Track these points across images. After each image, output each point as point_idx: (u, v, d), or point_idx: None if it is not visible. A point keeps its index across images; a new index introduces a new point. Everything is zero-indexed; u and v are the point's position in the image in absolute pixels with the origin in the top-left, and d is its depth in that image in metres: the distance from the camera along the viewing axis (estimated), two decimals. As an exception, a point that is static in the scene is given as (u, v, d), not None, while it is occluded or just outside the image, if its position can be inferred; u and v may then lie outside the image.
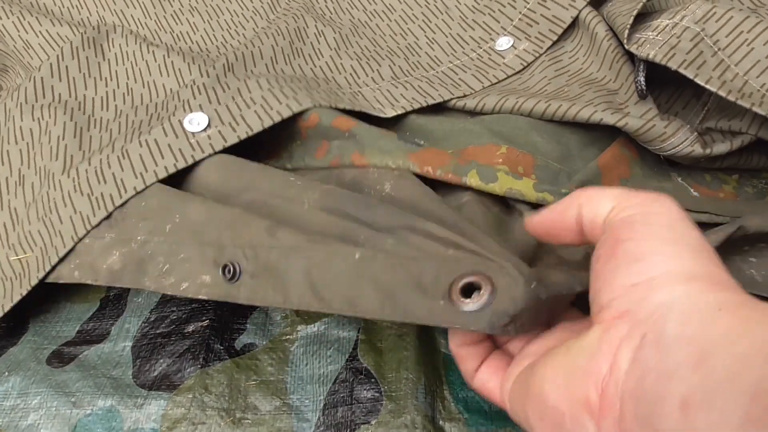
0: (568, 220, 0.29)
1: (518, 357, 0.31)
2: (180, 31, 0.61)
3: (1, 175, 0.47)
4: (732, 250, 0.39)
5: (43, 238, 0.42)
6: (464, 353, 0.32)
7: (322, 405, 0.36)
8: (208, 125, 0.42)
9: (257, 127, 0.42)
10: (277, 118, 0.42)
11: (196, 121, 0.43)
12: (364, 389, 0.37)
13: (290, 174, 0.39)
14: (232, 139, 0.41)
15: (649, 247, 0.25)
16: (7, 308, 0.41)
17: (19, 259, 0.42)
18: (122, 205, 0.40)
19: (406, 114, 0.48)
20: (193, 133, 0.42)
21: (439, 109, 0.49)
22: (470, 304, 0.29)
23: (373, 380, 0.37)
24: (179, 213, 0.38)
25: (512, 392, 0.29)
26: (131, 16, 0.61)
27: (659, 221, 0.26)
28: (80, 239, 0.40)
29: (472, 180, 0.39)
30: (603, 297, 0.25)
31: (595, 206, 0.28)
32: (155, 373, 0.38)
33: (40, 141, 0.47)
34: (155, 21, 0.61)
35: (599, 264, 0.26)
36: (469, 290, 0.30)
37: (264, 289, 0.33)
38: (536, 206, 0.39)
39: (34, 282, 0.41)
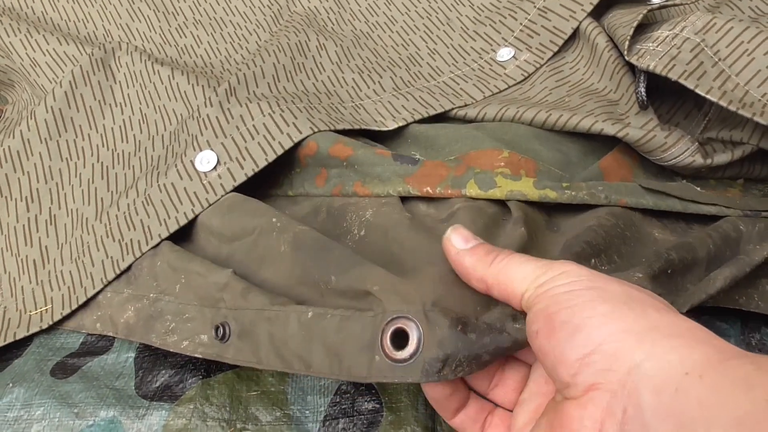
0: (475, 283, 0.31)
1: (516, 417, 0.31)
2: (184, 45, 0.61)
3: (32, 212, 0.49)
4: (759, 274, 0.39)
5: (73, 279, 0.44)
6: (438, 402, 0.32)
7: (322, 416, 0.36)
8: (218, 162, 0.45)
9: (262, 163, 0.44)
10: (280, 150, 0.44)
11: (206, 160, 0.45)
12: (365, 401, 0.37)
13: (274, 214, 0.40)
14: (241, 178, 0.44)
15: (582, 312, 0.25)
16: (19, 336, 0.43)
17: (39, 312, 0.44)
18: (139, 258, 0.43)
19: (408, 124, 0.48)
20: (205, 173, 0.45)
21: (440, 118, 0.49)
22: (402, 353, 0.30)
23: (373, 391, 0.37)
24: (184, 274, 0.40)
25: None
26: (136, 29, 0.62)
27: (581, 284, 0.26)
28: (106, 285, 0.43)
29: (472, 190, 0.39)
30: (562, 374, 0.25)
31: (503, 289, 0.29)
32: (157, 384, 0.38)
33: (71, 183, 0.50)
34: (160, 35, 0.62)
35: (540, 339, 0.26)
36: (402, 341, 0.31)
37: (244, 351, 0.35)
38: (534, 204, 0.39)
39: (57, 318, 0.43)
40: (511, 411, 0.32)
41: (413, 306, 0.31)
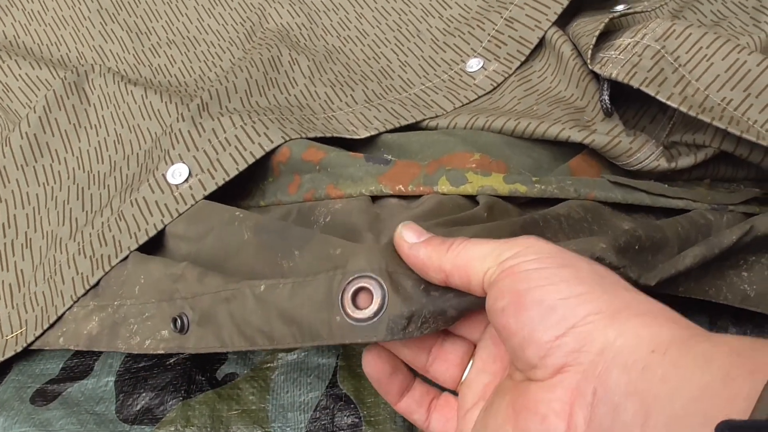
0: (432, 274, 0.29)
1: (463, 398, 0.31)
2: (158, 65, 0.61)
3: (8, 237, 0.49)
4: (729, 265, 0.39)
5: (45, 299, 0.44)
6: (380, 384, 0.32)
7: (303, 432, 0.37)
8: (189, 174, 0.45)
9: (233, 172, 0.44)
10: (251, 160, 0.44)
11: (178, 173, 0.45)
12: (345, 415, 0.37)
13: (237, 209, 0.41)
14: (211, 187, 0.44)
15: (559, 293, 0.24)
16: None
17: (14, 335, 0.44)
18: (107, 272, 0.43)
19: (379, 133, 0.49)
20: (176, 186, 0.44)
21: (411, 129, 0.49)
22: (365, 312, 0.30)
23: (352, 406, 0.37)
24: (144, 273, 0.40)
25: None
26: (110, 51, 0.62)
27: (552, 262, 0.25)
28: (75, 301, 0.43)
29: (443, 187, 0.40)
30: (530, 355, 0.24)
31: (463, 272, 0.28)
32: (138, 407, 0.39)
33: (47, 206, 0.50)
34: (133, 55, 0.62)
35: (506, 317, 0.25)
36: (364, 303, 0.31)
37: (206, 337, 0.35)
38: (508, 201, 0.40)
39: (30, 339, 0.43)
40: (457, 394, 0.32)
41: (376, 265, 0.31)
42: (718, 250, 0.36)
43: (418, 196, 0.40)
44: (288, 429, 0.37)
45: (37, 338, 0.43)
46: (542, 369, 0.24)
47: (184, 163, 0.45)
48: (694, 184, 0.44)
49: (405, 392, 0.32)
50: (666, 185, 0.42)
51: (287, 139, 0.44)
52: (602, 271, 0.26)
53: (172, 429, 0.37)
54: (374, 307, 0.30)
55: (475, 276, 0.27)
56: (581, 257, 0.26)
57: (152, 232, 0.43)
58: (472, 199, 0.40)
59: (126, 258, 0.43)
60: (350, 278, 0.31)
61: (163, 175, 0.45)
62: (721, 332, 0.39)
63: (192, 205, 0.43)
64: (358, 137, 0.48)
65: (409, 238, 0.30)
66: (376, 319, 0.30)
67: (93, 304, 0.42)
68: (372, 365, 0.31)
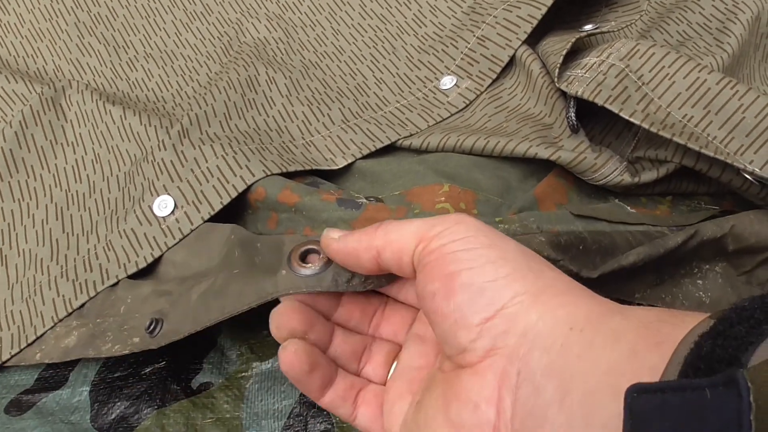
0: (365, 257, 0.29)
1: (388, 392, 0.31)
2: (135, 78, 0.62)
3: None
4: (683, 273, 0.41)
5: (23, 318, 0.45)
6: (299, 382, 0.31)
7: (276, 440, 0.37)
8: (175, 206, 0.46)
9: (217, 206, 0.45)
10: (234, 193, 0.45)
11: (163, 204, 0.46)
12: (317, 422, 0.38)
13: (234, 233, 0.43)
14: (197, 221, 0.45)
15: (486, 275, 0.25)
16: None
17: None
18: (93, 297, 0.44)
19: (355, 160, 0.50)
20: (163, 218, 0.46)
21: (386, 147, 0.51)
22: (311, 268, 0.32)
23: (325, 413, 0.38)
24: (131, 295, 0.42)
25: None
26: (87, 64, 0.62)
27: (479, 242, 0.26)
28: (56, 323, 0.44)
29: None
30: (461, 338, 0.25)
31: (395, 246, 0.28)
32: (113, 416, 0.39)
33: (23, 223, 0.50)
34: (111, 69, 0.62)
35: (438, 301, 0.26)
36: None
37: (168, 334, 0.38)
38: None
39: (6, 357, 0.43)
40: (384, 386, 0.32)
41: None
42: (663, 250, 0.38)
43: None
44: (262, 437, 0.38)
45: (12, 356, 0.43)
46: (472, 353, 0.25)
47: (169, 194, 0.47)
48: (657, 202, 0.46)
49: (327, 387, 0.31)
50: (629, 209, 0.44)
51: (268, 173, 0.46)
52: (528, 251, 0.26)
53: (147, 437, 0.38)
54: (320, 263, 0.32)
55: (406, 251, 0.27)
56: (508, 237, 0.27)
57: (142, 265, 0.45)
58: None
59: (116, 284, 0.44)
60: (299, 242, 0.33)
61: (150, 207, 0.47)
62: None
63: (180, 240, 0.45)
64: (336, 167, 0.49)
65: (335, 234, 0.31)
66: (321, 273, 0.32)
67: (75, 323, 0.43)
68: (289, 364, 0.30)
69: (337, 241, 0.30)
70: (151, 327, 0.38)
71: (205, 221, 0.45)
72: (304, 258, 0.33)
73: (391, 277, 0.32)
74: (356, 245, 0.29)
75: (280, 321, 0.31)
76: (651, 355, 0.20)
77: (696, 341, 0.19)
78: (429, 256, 0.26)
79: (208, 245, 0.43)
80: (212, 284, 0.37)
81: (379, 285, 0.32)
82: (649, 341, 0.21)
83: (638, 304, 0.39)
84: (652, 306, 0.28)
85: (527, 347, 0.23)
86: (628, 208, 0.44)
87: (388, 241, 0.28)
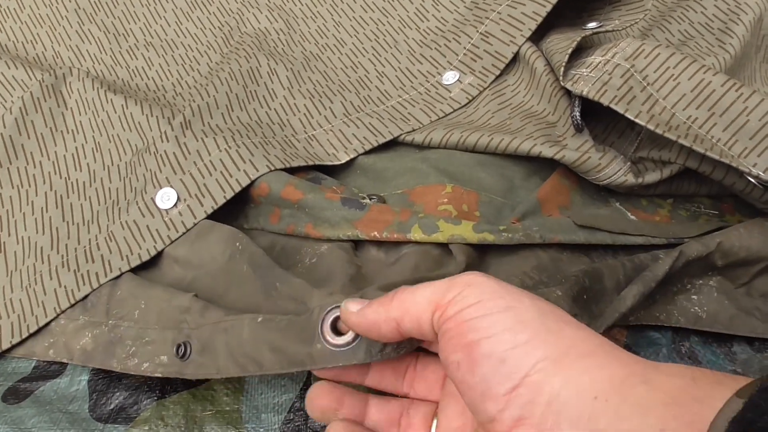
0: (386, 328, 0.29)
1: None
2: (135, 67, 0.62)
3: None
4: (676, 290, 0.41)
5: (23, 307, 0.44)
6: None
7: (276, 433, 0.37)
8: (178, 199, 0.46)
9: (221, 200, 0.45)
10: (237, 188, 0.45)
11: (166, 197, 0.46)
12: (318, 416, 0.38)
13: (237, 238, 0.43)
14: (200, 215, 0.45)
15: (506, 343, 0.25)
16: None
17: None
18: (97, 289, 0.43)
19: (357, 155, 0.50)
20: (166, 211, 0.46)
21: (388, 143, 0.51)
22: (343, 338, 0.32)
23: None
24: (144, 299, 0.41)
25: None
26: (86, 51, 0.62)
27: (495, 306, 0.26)
28: (59, 314, 0.43)
29: (416, 235, 0.41)
30: (490, 409, 0.25)
31: (413, 316, 0.28)
32: (111, 406, 0.39)
33: (22, 210, 0.50)
34: (111, 56, 0.62)
35: (463, 372, 0.26)
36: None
37: (205, 365, 0.37)
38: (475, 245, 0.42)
39: (6, 346, 0.43)
40: None
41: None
42: (654, 284, 0.38)
43: (396, 243, 0.43)
44: (261, 430, 0.38)
45: (14, 346, 0.43)
46: (500, 423, 0.25)
47: (171, 187, 0.46)
48: (657, 205, 0.46)
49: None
50: (629, 215, 0.44)
51: (272, 168, 0.45)
52: (545, 306, 0.26)
53: (146, 428, 0.37)
54: (352, 333, 0.32)
55: (425, 318, 0.28)
56: (523, 292, 0.27)
57: (145, 258, 0.44)
58: (445, 247, 0.42)
59: (118, 277, 0.44)
60: (328, 308, 0.33)
61: (152, 199, 0.46)
62: (683, 342, 0.41)
63: (183, 233, 0.44)
64: (338, 162, 0.49)
65: (353, 307, 0.31)
66: (354, 344, 0.32)
67: (84, 319, 0.42)
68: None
69: (356, 315, 0.30)
70: (180, 351, 0.38)
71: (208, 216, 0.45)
72: (334, 325, 0.33)
73: (420, 340, 0.32)
74: (375, 318, 0.29)
75: (313, 404, 0.32)
76: None
77: (723, 427, 0.20)
78: (447, 323, 0.26)
79: (208, 244, 0.43)
80: (237, 330, 0.36)
81: (411, 348, 0.32)
82: (679, 421, 0.21)
83: (637, 325, 0.40)
84: (673, 365, 0.29)
85: (554, 419, 0.23)
86: (629, 214, 0.44)
87: (405, 311, 0.28)
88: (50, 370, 0.42)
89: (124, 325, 0.40)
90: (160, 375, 0.37)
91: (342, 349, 0.32)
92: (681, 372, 0.23)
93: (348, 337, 0.32)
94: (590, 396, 0.23)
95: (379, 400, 0.33)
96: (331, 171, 0.50)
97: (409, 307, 0.28)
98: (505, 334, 0.25)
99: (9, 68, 0.58)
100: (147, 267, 0.45)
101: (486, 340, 0.25)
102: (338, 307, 0.33)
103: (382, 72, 0.57)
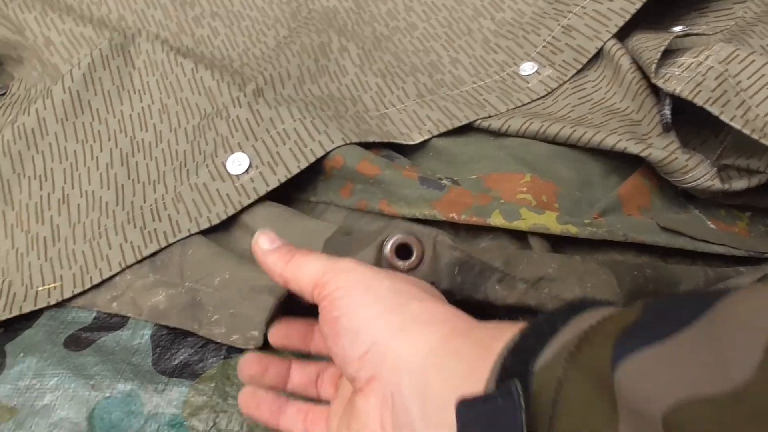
0: (279, 280, 0.33)
1: (333, 404, 0.34)
2: (201, 35, 0.61)
3: (44, 190, 0.48)
4: None
5: (86, 259, 0.44)
6: (252, 416, 0.34)
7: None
8: (250, 165, 0.45)
9: (294, 169, 0.44)
10: (312, 158, 0.45)
11: (237, 162, 0.46)
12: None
13: (310, 220, 0.43)
14: (273, 183, 0.44)
15: (359, 318, 0.29)
16: (25, 310, 0.43)
17: (46, 288, 0.43)
18: (167, 247, 0.43)
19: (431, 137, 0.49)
20: (237, 176, 0.45)
21: (462, 128, 0.50)
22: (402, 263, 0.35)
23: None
24: (230, 271, 0.41)
25: None
26: (152, 17, 0.62)
27: (359, 289, 0.30)
28: (124, 268, 0.43)
29: (496, 220, 0.40)
30: (349, 370, 0.29)
31: (297, 285, 0.32)
32: (176, 362, 0.38)
33: (86, 165, 0.49)
34: (176, 23, 0.62)
35: (330, 342, 0.30)
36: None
37: None
38: (551, 239, 0.40)
39: (68, 295, 0.43)
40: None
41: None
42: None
43: (471, 236, 0.42)
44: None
45: (76, 295, 0.43)
46: (359, 381, 0.29)
47: (244, 152, 0.46)
48: (735, 217, 0.45)
49: (279, 415, 0.34)
50: (707, 222, 0.43)
51: (347, 141, 0.45)
52: (402, 286, 0.30)
53: (212, 385, 0.37)
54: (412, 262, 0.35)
55: (306, 291, 0.31)
56: (387, 274, 0.31)
57: (215, 221, 0.44)
58: (521, 245, 0.41)
59: (186, 239, 0.43)
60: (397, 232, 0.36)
61: (223, 163, 0.46)
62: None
63: (255, 200, 0.44)
64: (412, 142, 0.49)
65: (264, 244, 0.34)
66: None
67: (154, 277, 0.42)
68: (241, 404, 0.34)
69: (262, 253, 0.33)
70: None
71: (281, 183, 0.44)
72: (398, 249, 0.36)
73: None
74: (272, 267, 0.33)
75: (243, 371, 0.34)
76: (483, 370, 0.25)
77: (503, 355, 0.25)
78: (322, 301, 0.30)
79: (292, 233, 0.42)
80: None
81: None
82: (485, 359, 0.25)
83: None
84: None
85: (397, 375, 0.27)
86: (708, 222, 0.43)
87: (293, 276, 0.32)
88: (111, 323, 0.41)
89: (203, 290, 0.40)
90: (252, 347, 0.37)
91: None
92: (500, 326, 0.27)
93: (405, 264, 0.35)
94: (423, 353, 0.27)
95: (299, 363, 0.36)
96: (403, 151, 0.49)
97: (297, 276, 0.32)
98: (360, 310, 0.29)
99: (78, 26, 0.58)
100: (216, 230, 0.44)
101: (344, 316, 0.29)
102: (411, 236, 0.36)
103: (456, 58, 0.57)
